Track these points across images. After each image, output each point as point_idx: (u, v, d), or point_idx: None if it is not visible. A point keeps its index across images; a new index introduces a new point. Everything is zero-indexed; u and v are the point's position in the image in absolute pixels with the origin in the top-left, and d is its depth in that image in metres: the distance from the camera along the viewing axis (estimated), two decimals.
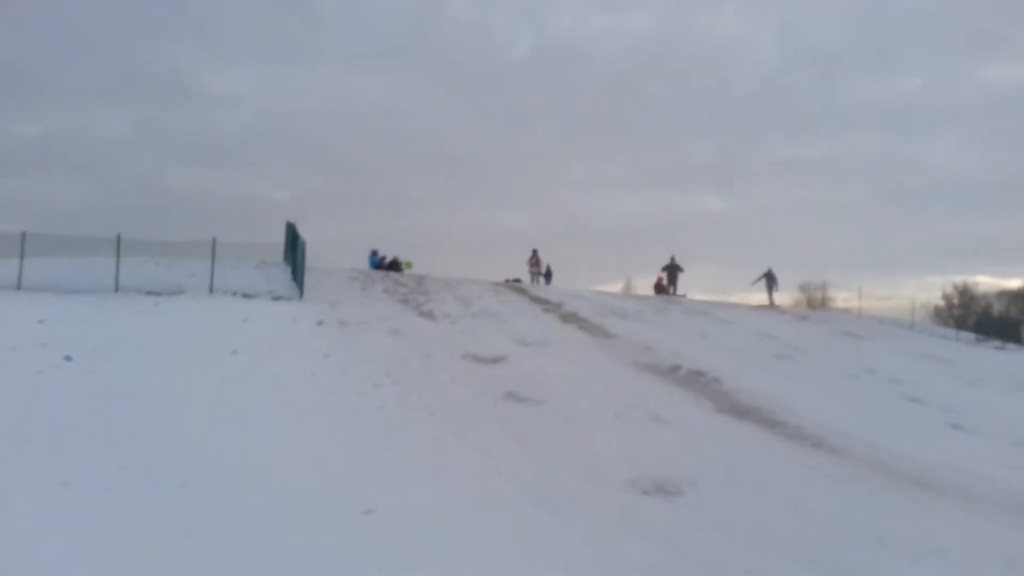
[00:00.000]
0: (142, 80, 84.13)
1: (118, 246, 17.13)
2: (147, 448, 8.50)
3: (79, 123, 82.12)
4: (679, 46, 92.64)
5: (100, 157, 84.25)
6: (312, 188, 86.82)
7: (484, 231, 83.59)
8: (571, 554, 6.86)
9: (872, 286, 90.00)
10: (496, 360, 14.12)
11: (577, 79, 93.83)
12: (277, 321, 14.70)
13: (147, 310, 14.78)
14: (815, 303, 37.56)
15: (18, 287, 15.76)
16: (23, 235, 16.54)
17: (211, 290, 16.84)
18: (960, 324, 34.96)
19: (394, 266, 26.39)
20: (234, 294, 16.75)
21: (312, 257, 18.35)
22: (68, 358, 11.38)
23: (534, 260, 28.88)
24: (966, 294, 42.07)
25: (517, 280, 27.40)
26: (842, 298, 36.13)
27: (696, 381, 14.34)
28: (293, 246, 19.37)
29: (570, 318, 19.41)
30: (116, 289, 16.21)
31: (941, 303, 41.69)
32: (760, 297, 29.35)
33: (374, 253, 27.13)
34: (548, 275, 29.15)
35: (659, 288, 29.09)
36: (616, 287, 37.80)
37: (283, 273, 19.34)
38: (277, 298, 16.78)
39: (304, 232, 18.81)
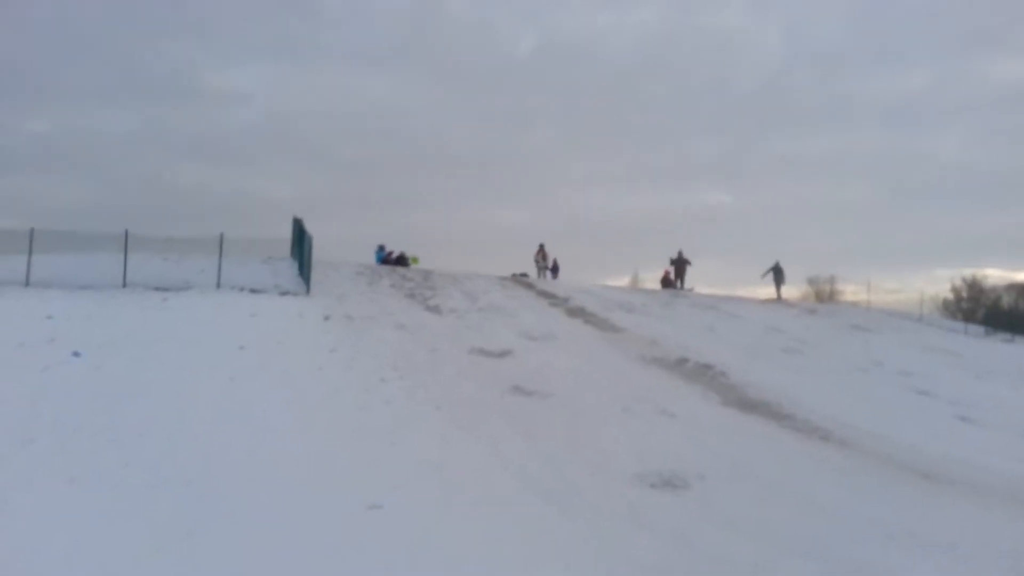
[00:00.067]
0: (144, 79, 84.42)
1: (125, 242, 17.18)
2: (153, 445, 8.50)
3: (82, 122, 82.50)
4: (681, 44, 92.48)
5: (103, 156, 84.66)
6: (315, 187, 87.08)
7: (486, 229, 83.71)
8: (578, 549, 6.84)
9: (880, 280, 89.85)
10: (503, 354, 14.10)
11: (578, 78, 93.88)
12: (284, 316, 14.70)
13: (155, 306, 14.80)
14: (823, 296, 37.47)
15: (26, 283, 15.82)
16: (31, 231, 16.61)
17: (218, 285, 16.86)
18: (969, 317, 34.85)
19: (401, 261, 26.36)
20: (241, 289, 16.75)
21: (318, 253, 18.39)
22: (76, 354, 11.40)
23: (541, 254, 28.72)
24: (975, 287, 41.89)
25: (524, 274, 27.30)
26: (850, 292, 36.13)
27: (703, 375, 14.31)
28: (300, 241, 19.36)
29: (577, 312, 19.37)
30: (124, 285, 16.23)
31: (950, 296, 41.57)
32: (768, 291, 29.32)
33: (381, 248, 27.09)
34: (555, 269, 29.04)
35: (666, 282, 29.00)
36: (623, 281, 37.87)
37: (290, 268, 19.35)
38: (284, 293, 16.79)
39: (308, 230, 18.82)
